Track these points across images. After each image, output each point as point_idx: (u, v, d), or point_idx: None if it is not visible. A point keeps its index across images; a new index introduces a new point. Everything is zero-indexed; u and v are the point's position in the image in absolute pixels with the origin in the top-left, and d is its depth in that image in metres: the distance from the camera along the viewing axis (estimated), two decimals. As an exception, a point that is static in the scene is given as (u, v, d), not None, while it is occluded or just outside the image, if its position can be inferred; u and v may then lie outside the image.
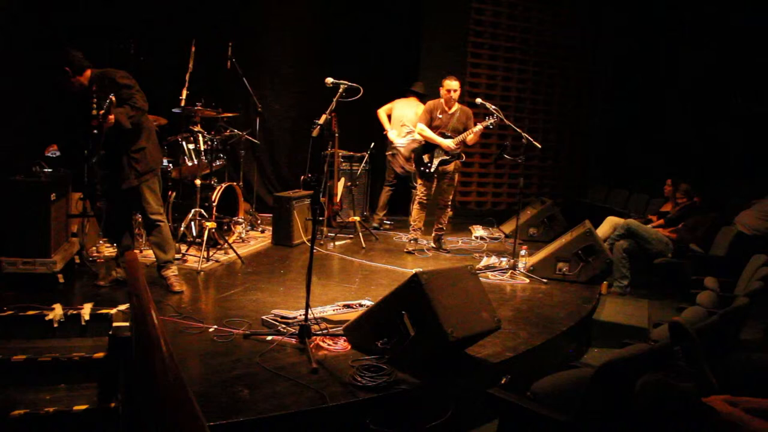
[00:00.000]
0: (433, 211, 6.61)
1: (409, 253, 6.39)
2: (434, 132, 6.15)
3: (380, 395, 2.98)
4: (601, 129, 10.43)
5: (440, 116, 6.17)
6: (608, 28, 10.01)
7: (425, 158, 6.25)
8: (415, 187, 7.92)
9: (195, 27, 6.72)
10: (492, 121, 5.94)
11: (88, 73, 4.23)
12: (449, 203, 6.50)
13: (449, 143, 6.11)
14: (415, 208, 6.46)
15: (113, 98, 4.00)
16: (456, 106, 6.20)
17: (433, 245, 6.62)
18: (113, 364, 2.93)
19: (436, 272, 3.40)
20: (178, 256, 5.42)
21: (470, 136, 6.10)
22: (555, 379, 2.78)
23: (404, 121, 7.61)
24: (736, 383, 2.45)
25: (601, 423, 2.21)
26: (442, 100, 6.19)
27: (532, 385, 2.68)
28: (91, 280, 4.68)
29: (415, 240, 6.50)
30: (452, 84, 6.11)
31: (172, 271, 4.61)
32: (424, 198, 6.36)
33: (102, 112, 3.97)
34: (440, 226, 6.56)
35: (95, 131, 4.14)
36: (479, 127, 6.03)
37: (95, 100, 4.13)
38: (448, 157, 6.20)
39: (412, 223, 6.52)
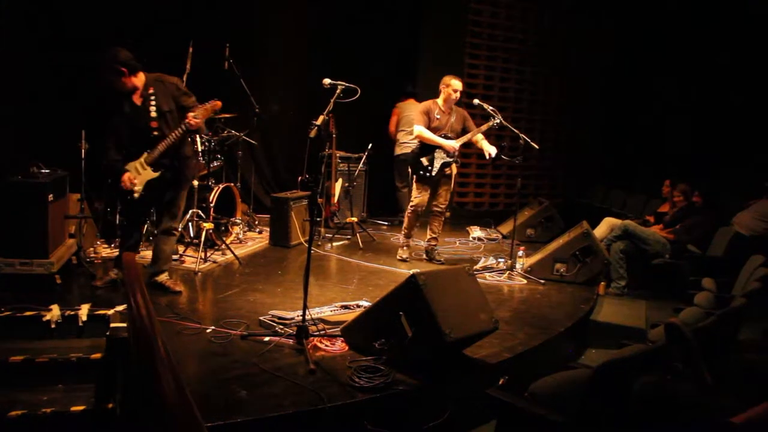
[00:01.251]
0: (426, 216, 6.29)
1: (403, 260, 6.07)
2: (434, 134, 5.81)
3: (378, 396, 2.98)
4: (600, 129, 10.44)
5: (438, 117, 5.85)
6: (608, 25, 10.02)
7: (424, 162, 5.84)
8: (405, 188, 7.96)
9: (193, 28, 6.72)
10: (497, 121, 5.71)
11: (142, 75, 4.23)
12: (445, 208, 6.17)
13: (453, 144, 5.82)
14: (409, 216, 6.10)
15: (218, 104, 4.19)
16: (453, 107, 5.94)
17: (425, 257, 6.23)
18: (111, 365, 2.92)
19: (433, 273, 3.41)
20: (175, 256, 5.42)
21: (478, 136, 5.86)
22: (553, 380, 2.78)
23: None
24: (733, 384, 2.45)
25: (599, 424, 2.21)
26: (439, 101, 5.88)
27: (530, 386, 2.68)
28: (89, 281, 4.67)
29: (407, 247, 6.20)
30: (459, 84, 5.81)
31: (165, 276, 4.63)
32: (421, 206, 6.03)
33: (196, 114, 4.10)
34: (433, 235, 6.17)
35: (155, 133, 4.20)
36: (484, 127, 5.82)
37: (154, 102, 4.18)
38: (450, 159, 5.89)
39: (404, 231, 6.18)
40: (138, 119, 4.21)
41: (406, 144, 7.92)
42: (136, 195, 4.28)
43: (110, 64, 4.09)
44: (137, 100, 4.22)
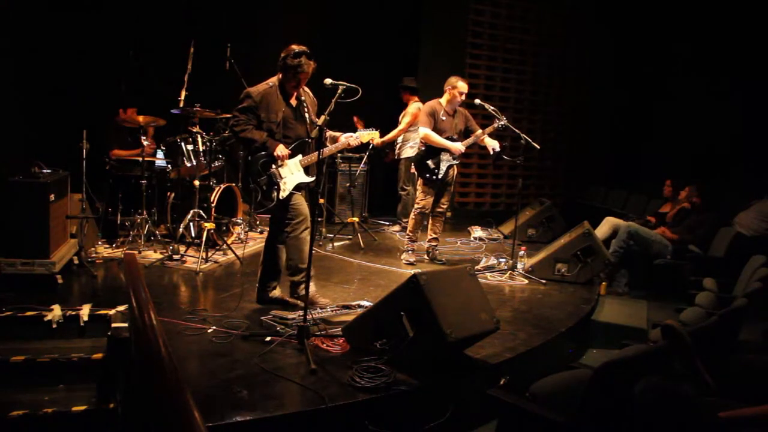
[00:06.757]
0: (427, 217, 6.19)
1: (410, 264, 5.95)
2: (440, 135, 5.75)
3: (379, 396, 2.98)
4: (600, 129, 10.43)
5: (443, 119, 5.78)
6: (608, 25, 10.02)
7: (430, 164, 5.77)
8: (404, 190, 7.90)
9: (194, 28, 6.72)
10: (502, 122, 5.70)
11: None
12: (446, 209, 6.15)
13: (459, 147, 5.77)
14: (414, 219, 6.02)
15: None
16: (456, 108, 5.89)
17: (426, 258, 6.16)
18: (112, 364, 2.93)
19: (435, 273, 3.41)
20: (176, 257, 5.42)
21: (484, 137, 5.81)
22: (554, 380, 2.78)
23: None
24: (734, 385, 2.45)
25: (599, 424, 2.21)
26: (443, 101, 5.84)
27: (531, 386, 2.68)
28: (90, 281, 4.67)
29: (413, 250, 6.12)
30: (465, 87, 5.77)
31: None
32: (427, 208, 5.92)
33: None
34: (434, 235, 6.11)
35: (308, 139, 4.28)
36: (490, 129, 5.82)
37: (307, 107, 4.30)
38: (456, 162, 5.87)
39: (409, 234, 6.10)
40: (298, 122, 4.36)
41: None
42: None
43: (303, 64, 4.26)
44: (296, 103, 4.37)
